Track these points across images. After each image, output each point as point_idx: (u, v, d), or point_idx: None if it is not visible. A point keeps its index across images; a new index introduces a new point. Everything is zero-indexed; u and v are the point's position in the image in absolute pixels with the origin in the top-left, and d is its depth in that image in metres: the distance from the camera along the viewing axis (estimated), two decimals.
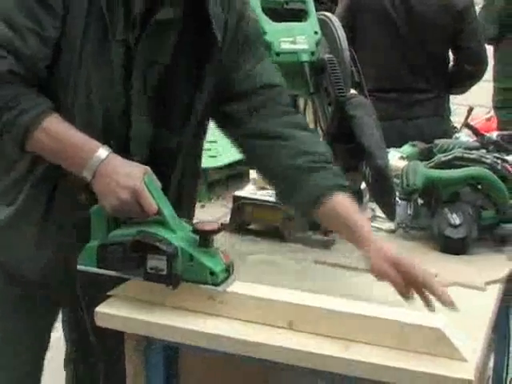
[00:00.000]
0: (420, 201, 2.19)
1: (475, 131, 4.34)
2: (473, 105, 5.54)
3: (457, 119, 5.38)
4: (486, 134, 4.36)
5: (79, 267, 1.76)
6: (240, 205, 2.17)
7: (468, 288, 1.85)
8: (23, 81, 1.73)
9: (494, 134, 4.54)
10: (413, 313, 1.62)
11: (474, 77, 3.99)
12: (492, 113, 6.23)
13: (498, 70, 5.98)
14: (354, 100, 2.01)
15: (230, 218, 2.19)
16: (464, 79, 3.99)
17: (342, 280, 1.95)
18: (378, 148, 1.92)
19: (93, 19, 1.75)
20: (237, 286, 1.73)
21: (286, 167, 1.86)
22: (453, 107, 4.61)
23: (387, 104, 3.59)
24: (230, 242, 2.12)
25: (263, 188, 2.24)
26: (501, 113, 5.87)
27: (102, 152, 1.71)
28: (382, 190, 1.92)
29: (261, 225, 2.21)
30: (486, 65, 3.97)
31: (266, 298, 1.68)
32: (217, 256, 1.69)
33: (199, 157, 2.05)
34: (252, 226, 2.22)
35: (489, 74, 6.13)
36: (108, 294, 1.79)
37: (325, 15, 2.20)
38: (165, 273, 1.66)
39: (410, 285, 1.68)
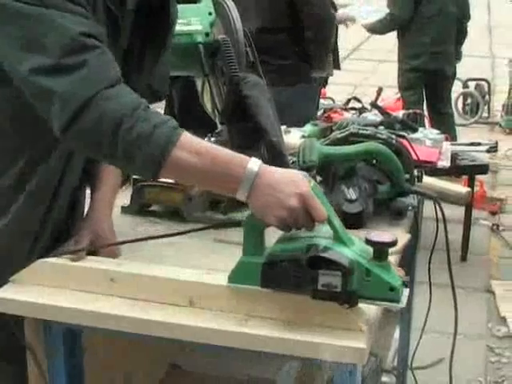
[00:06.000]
0: (318, 178, 2.22)
1: (381, 110, 4.46)
2: (383, 85, 5.68)
3: (367, 100, 5.51)
4: (392, 113, 4.50)
5: (233, 285, 1.64)
6: (139, 187, 2.17)
7: None
8: None
9: (400, 113, 4.70)
10: None
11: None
12: None
13: (403, 51, 6.11)
14: (248, 80, 2.03)
15: (131, 201, 2.19)
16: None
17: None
18: (272, 126, 1.95)
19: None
20: (136, 267, 1.75)
21: None
22: (363, 88, 4.70)
23: None
24: (131, 224, 2.12)
25: None
26: (406, 94, 6.01)
27: (253, 164, 1.56)
28: (278, 167, 1.94)
29: (161, 206, 2.21)
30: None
31: (165, 277, 1.70)
32: (392, 270, 1.57)
33: None
34: (153, 208, 2.22)
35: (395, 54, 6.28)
36: (9, 279, 1.77)
37: None
38: (339, 290, 1.53)
39: None
